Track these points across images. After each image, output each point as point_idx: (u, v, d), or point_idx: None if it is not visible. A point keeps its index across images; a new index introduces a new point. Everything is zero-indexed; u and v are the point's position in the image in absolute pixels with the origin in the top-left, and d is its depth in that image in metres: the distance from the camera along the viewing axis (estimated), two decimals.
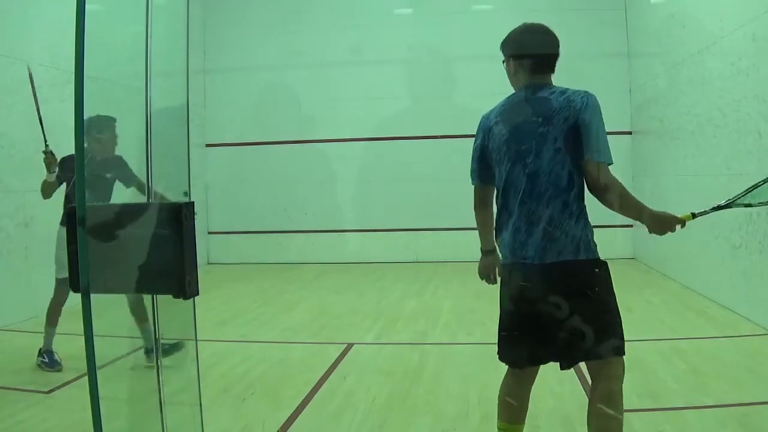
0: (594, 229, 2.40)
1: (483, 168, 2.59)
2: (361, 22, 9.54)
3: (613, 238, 8.83)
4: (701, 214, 2.42)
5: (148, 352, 4.16)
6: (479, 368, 4.34)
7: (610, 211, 2.42)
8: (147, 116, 1.99)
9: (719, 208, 2.54)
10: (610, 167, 2.36)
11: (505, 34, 2.58)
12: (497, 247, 2.61)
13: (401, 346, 4.98)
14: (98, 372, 1.76)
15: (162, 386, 2.05)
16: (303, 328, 5.51)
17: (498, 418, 2.62)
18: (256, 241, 9.89)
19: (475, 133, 2.62)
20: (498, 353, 2.56)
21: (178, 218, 1.72)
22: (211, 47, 9.66)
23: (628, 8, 9.01)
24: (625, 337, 2.41)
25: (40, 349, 4.50)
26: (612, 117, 10.35)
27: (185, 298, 1.73)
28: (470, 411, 3.58)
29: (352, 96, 9.47)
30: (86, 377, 1.81)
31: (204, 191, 9.73)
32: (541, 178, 2.37)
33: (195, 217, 1.76)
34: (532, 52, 2.50)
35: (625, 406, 3.45)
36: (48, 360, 4.45)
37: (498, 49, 2.61)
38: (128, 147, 4.12)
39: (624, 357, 2.39)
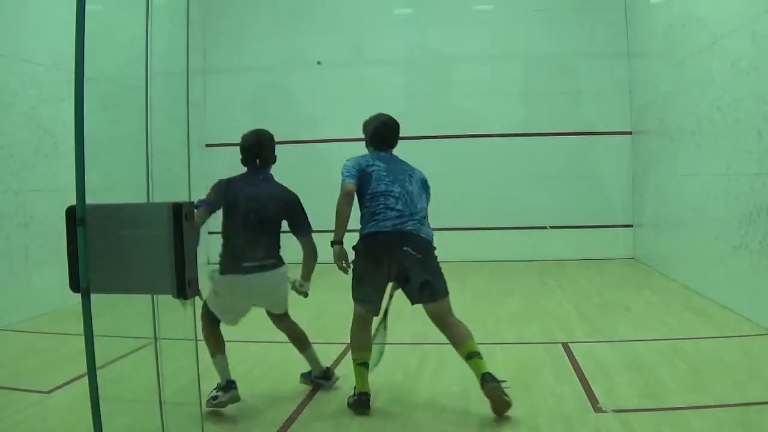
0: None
1: None
2: (361, 23, 9.54)
3: (613, 238, 8.82)
4: None
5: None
6: None
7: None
8: (147, 116, 1.99)
9: None
10: None
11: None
12: None
13: (401, 346, 4.97)
14: (98, 372, 1.76)
15: (162, 386, 2.05)
16: (303, 328, 5.50)
17: None
18: None
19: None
20: None
21: (178, 218, 1.72)
22: (211, 47, 9.64)
23: (628, 8, 9.00)
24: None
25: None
26: (612, 117, 10.29)
27: (185, 298, 1.73)
28: (470, 410, 3.58)
29: (352, 96, 9.46)
30: (86, 377, 1.81)
31: (204, 191, 9.71)
32: None
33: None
34: None
35: (625, 406, 3.49)
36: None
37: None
38: (128, 147, 4.12)
39: None
